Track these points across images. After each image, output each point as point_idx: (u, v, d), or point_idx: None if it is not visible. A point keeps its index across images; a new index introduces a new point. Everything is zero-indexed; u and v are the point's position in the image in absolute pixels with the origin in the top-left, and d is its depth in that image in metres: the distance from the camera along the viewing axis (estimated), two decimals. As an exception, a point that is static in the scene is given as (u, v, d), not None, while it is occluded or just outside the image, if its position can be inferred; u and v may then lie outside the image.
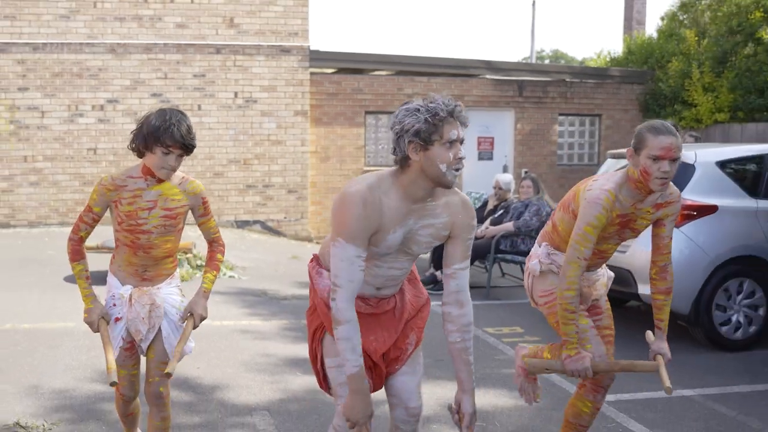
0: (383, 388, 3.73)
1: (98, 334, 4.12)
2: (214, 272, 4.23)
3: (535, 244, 4.57)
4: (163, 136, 3.78)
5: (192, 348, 4.30)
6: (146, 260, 4.10)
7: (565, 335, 4.07)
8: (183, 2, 14.99)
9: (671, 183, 4.15)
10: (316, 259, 3.72)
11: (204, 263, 10.79)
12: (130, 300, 4.10)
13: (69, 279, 10.10)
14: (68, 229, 12.96)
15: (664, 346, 4.26)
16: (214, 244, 4.27)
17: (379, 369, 3.60)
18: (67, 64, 14.60)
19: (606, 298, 4.56)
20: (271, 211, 15.67)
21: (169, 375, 3.96)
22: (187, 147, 3.87)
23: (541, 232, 4.59)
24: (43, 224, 14.69)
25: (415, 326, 3.72)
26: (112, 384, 3.80)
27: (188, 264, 10.80)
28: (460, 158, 3.27)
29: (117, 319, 4.12)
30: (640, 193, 4.09)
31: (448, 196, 3.48)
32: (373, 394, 3.67)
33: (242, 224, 15.53)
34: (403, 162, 3.32)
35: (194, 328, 4.12)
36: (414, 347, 3.70)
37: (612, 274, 4.67)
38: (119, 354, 4.12)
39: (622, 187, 4.09)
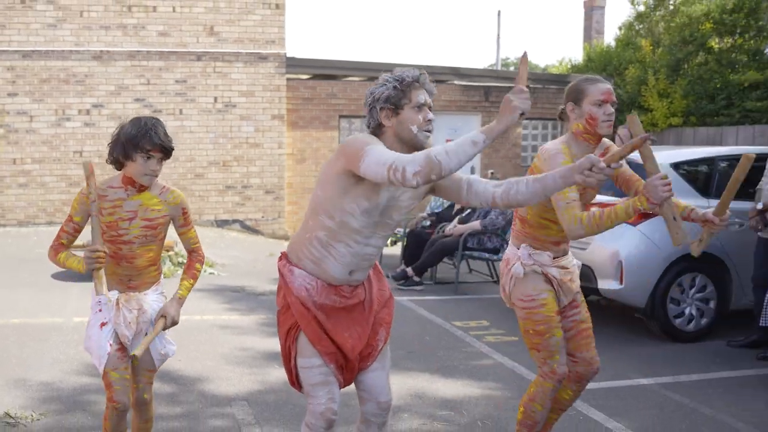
0: (353, 383, 3.69)
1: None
2: (192, 281, 4.09)
3: (510, 246, 4.35)
4: (142, 141, 3.68)
5: (174, 351, 4.19)
6: (130, 270, 3.97)
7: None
8: (165, 11, 14.89)
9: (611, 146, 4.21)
10: (286, 257, 3.61)
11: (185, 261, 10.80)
12: (117, 304, 3.95)
13: (57, 276, 10.00)
14: (55, 228, 12.85)
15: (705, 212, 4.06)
16: (193, 254, 4.14)
17: (351, 365, 3.55)
18: (55, 70, 14.46)
19: (580, 291, 4.45)
20: (249, 211, 15.61)
21: (134, 357, 3.80)
22: (166, 149, 3.76)
23: (513, 234, 4.36)
24: (31, 224, 14.54)
25: (384, 322, 3.68)
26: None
27: (170, 261, 10.72)
28: (430, 120, 3.36)
29: (103, 324, 3.96)
30: (590, 145, 4.05)
31: None
32: (343, 389, 3.65)
33: (222, 223, 15.46)
34: (377, 130, 3.39)
35: (164, 329, 3.97)
36: (383, 343, 3.66)
37: (579, 261, 4.58)
38: (111, 356, 3.91)
39: (570, 144, 4.07)
